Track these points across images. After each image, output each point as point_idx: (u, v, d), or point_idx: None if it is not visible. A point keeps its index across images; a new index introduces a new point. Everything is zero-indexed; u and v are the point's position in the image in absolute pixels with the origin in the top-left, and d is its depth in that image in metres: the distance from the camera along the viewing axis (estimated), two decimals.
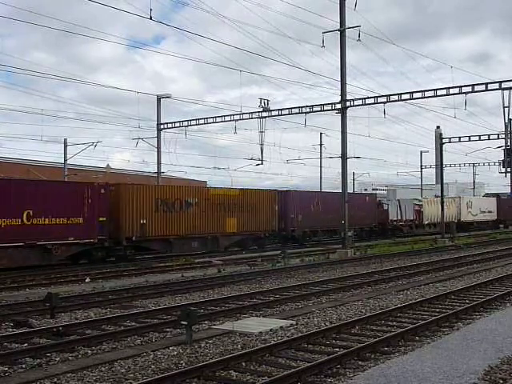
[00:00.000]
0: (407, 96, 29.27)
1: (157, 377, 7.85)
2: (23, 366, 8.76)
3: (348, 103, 30.05)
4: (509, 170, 33.07)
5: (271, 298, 15.33)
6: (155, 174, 39.45)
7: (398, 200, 51.62)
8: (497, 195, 76.65)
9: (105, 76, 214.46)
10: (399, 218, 47.99)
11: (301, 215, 37.01)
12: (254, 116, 32.98)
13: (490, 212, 61.92)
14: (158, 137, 38.16)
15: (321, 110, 31.48)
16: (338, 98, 30.03)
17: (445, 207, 45.27)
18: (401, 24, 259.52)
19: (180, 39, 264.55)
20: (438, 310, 13.46)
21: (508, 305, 14.03)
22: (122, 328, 11.50)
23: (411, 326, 11.07)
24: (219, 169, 47.99)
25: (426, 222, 50.74)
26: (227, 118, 34.24)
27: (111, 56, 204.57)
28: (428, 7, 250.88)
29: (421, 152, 65.99)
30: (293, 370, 8.07)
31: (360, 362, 8.84)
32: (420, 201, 51.80)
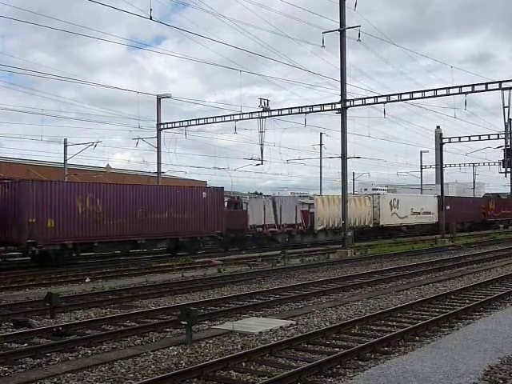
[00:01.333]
0: (407, 96, 29.29)
1: (157, 377, 7.85)
2: (23, 366, 8.76)
3: (348, 103, 30.06)
4: (509, 169, 33.12)
5: (271, 298, 15.33)
6: (155, 174, 39.44)
7: (273, 197, 38.86)
8: (497, 195, 76.72)
9: (106, 76, 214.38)
10: (271, 222, 34.91)
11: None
12: (254, 116, 33.01)
13: (427, 213, 50.34)
14: (158, 137, 38.16)
15: (321, 110, 31.51)
16: (338, 98, 30.05)
17: (350, 206, 35.02)
18: (401, 24, 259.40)
19: (181, 40, 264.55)
20: (437, 310, 13.46)
21: (508, 305, 14.03)
22: (122, 328, 11.50)
23: (411, 326, 11.07)
24: (219, 169, 48.02)
25: (320, 228, 37.78)
26: (227, 118, 34.26)
27: (112, 56, 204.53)
28: (428, 8, 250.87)
29: (421, 152, 66.11)
30: (293, 370, 8.07)
31: (360, 362, 8.83)
32: (311, 198, 39.53)
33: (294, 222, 36.20)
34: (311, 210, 37.83)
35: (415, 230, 48.74)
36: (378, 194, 46.75)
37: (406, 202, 47.91)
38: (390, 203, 45.55)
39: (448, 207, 48.51)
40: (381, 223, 44.22)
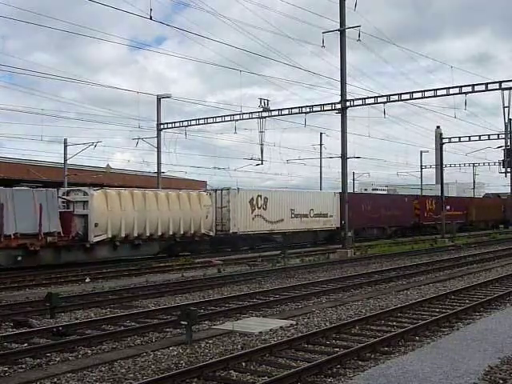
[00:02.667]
0: (407, 96, 29.28)
1: (157, 377, 7.85)
2: (23, 366, 8.76)
3: (348, 103, 30.05)
4: (509, 170, 33.12)
5: (271, 298, 15.33)
6: (155, 174, 39.44)
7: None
8: (497, 195, 76.68)
9: (107, 77, 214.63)
10: None
11: None
12: (254, 116, 33.00)
13: (321, 216, 38.10)
14: (158, 137, 38.17)
15: (321, 110, 31.50)
16: (338, 98, 30.04)
17: (150, 205, 26.83)
18: (401, 24, 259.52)
19: (182, 40, 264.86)
20: (437, 309, 13.46)
21: (508, 305, 14.03)
22: (122, 328, 11.50)
23: (411, 326, 11.07)
24: (219, 169, 48.05)
25: (99, 239, 25.01)
26: (227, 118, 34.27)
27: (113, 57, 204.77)
28: (428, 8, 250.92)
29: (421, 152, 65.97)
30: (293, 370, 8.07)
31: (360, 362, 8.83)
32: (85, 194, 25.53)
33: (36, 231, 22.57)
34: (82, 212, 24.87)
35: (300, 239, 36.56)
36: (228, 189, 32.78)
37: (282, 200, 35.21)
38: (252, 202, 33.24)
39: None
40: (232, 230, 31.89)
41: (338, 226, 35.97)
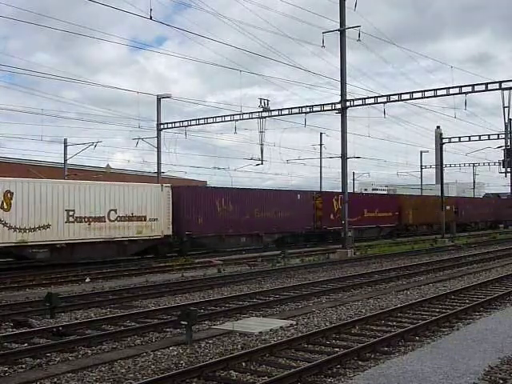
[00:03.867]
0: (407, 96, 29.28)
1: (157, 377, 7.85)
2: (23, 365, 8.76)
3: (348, 103, 30.05)
4: (509, 169, 33.15)
5: (271, 298, 15.33)
6: (155, 174, 39.44)
7: None
8: (497, 195, 76.70)
9: (107, 77, 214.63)
10: None
11: None
12: (254, 116, 33.00)
13: (138, 220, 26.47)
14: (158, 137, 38.17)
15: (321, 110, 31.49)
16: (338, 98, 30.04)
17: None
18: (401, 25, 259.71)
19: (182, 40, 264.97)
20: (437, 309, 13.46)
21: (508, 305, 14.03)
22: (122, 328, 11.50)
23: (411, 326, 11.07)
24: (219, 169, 48.07)
25: None
26: (227, 118, 34.26)
27: (114, 57, 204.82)
28: (428, 8, 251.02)
29: (421, 152, 66.07)
30: (293, 370, 8.07)
31: (360, 362, 8.83)
32: None
33: None
34: None
35: (93, 254, 25.08)
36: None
37: (47, 195, 23.35)
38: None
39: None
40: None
41: (169, 233, 27.61)
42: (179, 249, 28.81)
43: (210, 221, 29.95)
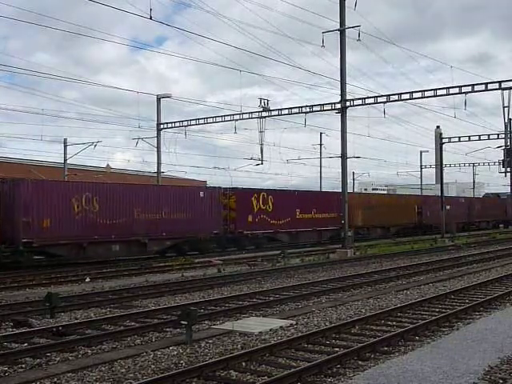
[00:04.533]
0: (407, 96, 29.30)
1: (157, 377, 7.85)
2: (23, 365, 8.75)
3: (348, 103, 30.06)
4: (509, 169, 33.16)
5: (271, 298, 15.33)
6: (155, 174, 39.46)
7: None
8: (497, 195, 76.71)
9: (108, 77, 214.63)
10: None
11: None
12: (253, 116, 33.02)
13: None
14: (158, 137, 38.19)
15: (321, 110, 31.51)
16: (338, 98, 30.05)
17: None
18: (401, 25, 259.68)
19: (182, 40, 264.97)
20: (437, 309, 13.45)
21: (508, 305, 14.03)
22: (122, 328, 11.50)
23: (411, 326, 11.07)
24: (219, 169, 48.10)
25: None
26: (227, 118, 34.29)
27: (114, 57, 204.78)
28: (428, 8, 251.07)
29: (421, 152, 66.01)
30: (293, 370, 8.07)
31: (360, 362, 8.83)
32: None
33: None
34: None
35: None
36: None
37: None
38: None
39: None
40: None
41: None
42: (11, 261, 22.45)
43: (62, 224, 23.75)
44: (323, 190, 51.57)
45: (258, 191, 34.27)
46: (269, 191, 35.43)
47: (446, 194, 48.92)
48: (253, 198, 33.23)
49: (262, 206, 33.46)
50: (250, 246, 32.79)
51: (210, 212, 29.98)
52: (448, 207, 50.90)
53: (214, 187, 33.08)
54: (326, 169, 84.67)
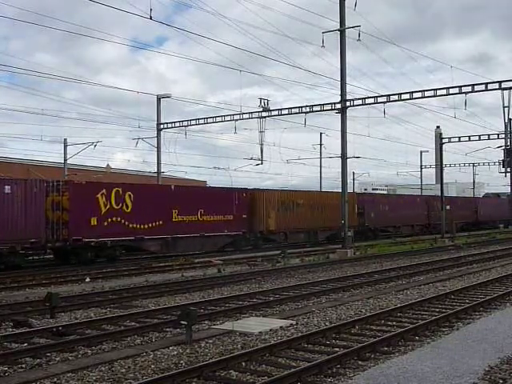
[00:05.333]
0: (407, 96, 29.29)
1: (157, 377, 7.85)
2: (23, 365, 8.75)
3: (348, 103, 30.06)
4: (509, 169, 33.16)
5: (271, 298, 15.33)
6: (155, 174, 39.47)
7: None
8: (497, 195, 76.72)
9: (109, 77, 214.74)
10: None
11: None
12: (253, 116, 33.02)
13: None
14: (158, 137, 38.20)
15: (321, 110, 31.51)
16: (338, 98, 30.04)
17: None
18: (401, 25, 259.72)
19: (183, 41, 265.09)
20: (437, 309, 13.45)
21: (508, 305, 14.03)
22: (122, 328, 11.50)
23: (411, 326, 11.07)
24: (219, 169, 48.08)
25: None
26: (227, 118, 34.29)
27: (115, 57, 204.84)
28: (428, 9, 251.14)
29: (421, 152, 66.07)
30: (293, 370, 8.07)
31: (360, 362, 8.83)
32: None
33: None
34: None
35: None
36: None
37: None
38: None
39: None
40: None
41: None
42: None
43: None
44: (217, 186, 40.87)
45: (108, 185, 26.38)
46: (126, 186, 27.22)
47: (446, 194, 48.81)
48: (100, 195, 25.32)
49: (114, 205, 25.82)
50: (97, 259, 25.42)
51: (19, 214, 22.18)
52: (386, 208, 45.51)
53: (37, 179, 24.80)
54: (325, 169, 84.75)
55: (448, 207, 48.22)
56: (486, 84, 27.73)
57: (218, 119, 35.15)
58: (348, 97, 30.13)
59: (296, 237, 36.77)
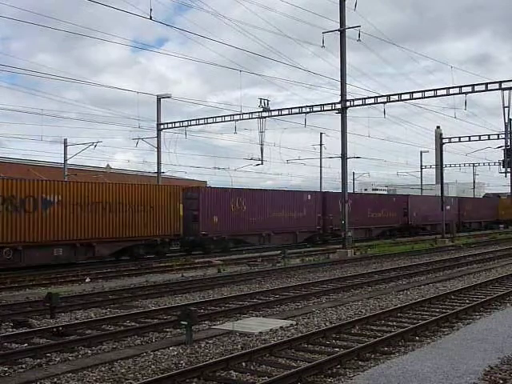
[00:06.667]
0: (407, 96, 29.27)
1: (157, 377, 7.85)
2: (23, 365, 8.76)
3: (348, 103, 30.05)
4: (509, 170, 33.11)
5: (271, 298, 15.33)
6: (155, 174, 39.45)
7: None
8: (497, 195, 76.71)
9: (110, 78, 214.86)
10: None
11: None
12: (254, 116, 32.98)
13: None
14: (158, 137, 38.17)
15: (321, 110, 31.48)
16: (338, 99, 30.04)
17: None
18: (401, 26, 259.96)
19: (183, 41, 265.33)
20: (438, 309, 13.46)
21: (508, 305, 14.03)
22: (122, 328, 11.50)
23: (411, 326, 11.07)
24: (219, 169, 48.03)
25: None
26: (227, 118, 34.25)
27: (116, 58, 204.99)
28: (428, 9, 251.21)
29: (421, 152, 66.01)
30: (293, 370, 8.07)
31: (360, 362, 8.83)
32: None
33: None
34: None
35: None
36: None
37: None
38: None
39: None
40: None
41: None
42: None
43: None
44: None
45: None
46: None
47: (446, 194, 48.73)
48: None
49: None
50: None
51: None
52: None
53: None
54: (326, 169, 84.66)
55: (348, 206, 31.71)
56: (486, 84, 27.71)
57: (218, 119, 35.13)
58: (348, 97, 30.14)
59: (101, 249, 25.28)
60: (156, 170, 39.20)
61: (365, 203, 42.83)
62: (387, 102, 29.37)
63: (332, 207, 38.26)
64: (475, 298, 15.01)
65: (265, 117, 32.65)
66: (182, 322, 10.14)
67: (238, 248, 32.90)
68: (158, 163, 38.65)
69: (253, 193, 34.59)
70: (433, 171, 74.65)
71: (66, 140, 43.53)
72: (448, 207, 47.59)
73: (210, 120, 35.55)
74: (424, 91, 28.79)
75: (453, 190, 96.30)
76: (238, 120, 33.51)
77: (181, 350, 9.62)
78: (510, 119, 28.67)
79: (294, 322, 11.95)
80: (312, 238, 38.87)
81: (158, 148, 38.20)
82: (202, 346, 9.95)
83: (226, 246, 32.16)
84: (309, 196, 38.25)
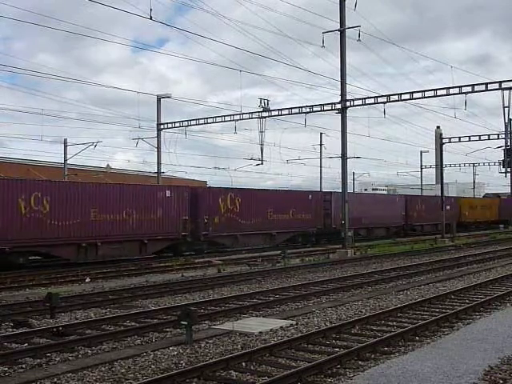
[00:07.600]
0: (407, 96, 29.27)
1: (157, 377, 7.85)
2: (23, 365, 8.76)
3: (348, 103, 30.04)
4: (509, 170, 33.12)
5: (271, 298, 15.33)
6: (155, 174, 39.45)
7: None
8: (497, 195, 76.70)
9: (110, 78, 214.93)
10: None
11: None
12: (254, 116, 32.98)
13: None
14: (158, 137, 38.18)
15: (321, 110, 31.47)
16: (338, 98, 30.04)
17: None
18: (401, 26, 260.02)
19: (183, 41, 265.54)
20: (438, 309, 13.46)
21: (508, 305, 14.03)
22: (122, 328, 11.50)
23: (411, 326, 11.07)
24: (219, 169, 48.01)
25: None
26: (227, 118, 34.25)
27: (117, 58, 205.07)
28: (428, 9, 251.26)
29: (421, 152, 66.02)
30: (293, 370, 8.07)
31: (360, 362, 8.83)
32: None
33: None
34: None
35: None
36: None
37: None
38: None
39: None
40: None
41: None
42: None
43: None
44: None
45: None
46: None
47: (446, 194, 48.71)
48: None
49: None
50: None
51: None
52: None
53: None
54: (326, 169, 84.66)
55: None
56: (486, 84, 27.71)
57: (219, 119, 35.13)
58: (348, 97, 30.13)
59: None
60: (156, 170, 39.21)
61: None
62: (387, 101, 29.36)
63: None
64: (475, 298, 15.01)
65: (265, 117, 32.65)
66: (182, 322, 10.14)
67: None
68: (158, 163, 38.65)
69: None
70: (433, 171, 74.77)
71: (66, 140, 43.53)
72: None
73: (210, 120, 35.56)
74: (424, 91, 28.79)
75: (453, 189, 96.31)
76: (238, 120, 33.53)
77: (181, 350, 9.62)
78: (510, 119, 28.68)
79: (294, 322, 11.95)
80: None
81: (158, 148, 38.21)
82: (202, 345, 9.96)
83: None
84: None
